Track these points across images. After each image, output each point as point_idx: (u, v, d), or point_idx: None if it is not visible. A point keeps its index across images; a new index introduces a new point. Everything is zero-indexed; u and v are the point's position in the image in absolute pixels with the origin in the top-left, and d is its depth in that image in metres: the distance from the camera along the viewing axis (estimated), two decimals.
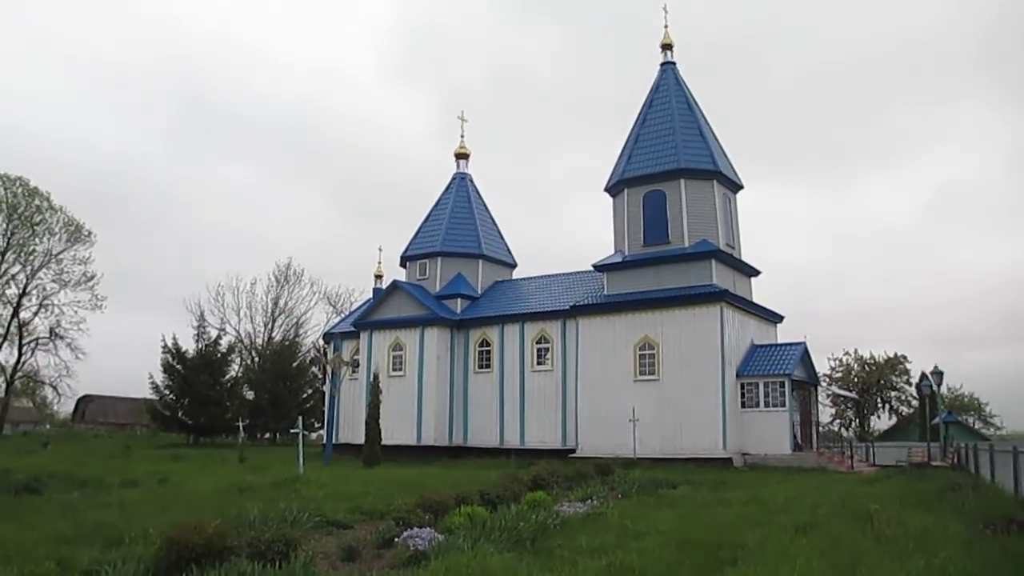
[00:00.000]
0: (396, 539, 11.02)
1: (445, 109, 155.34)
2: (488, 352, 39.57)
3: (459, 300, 41.70)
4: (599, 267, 36.77)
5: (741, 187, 37.26)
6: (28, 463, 29.36)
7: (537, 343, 37.95)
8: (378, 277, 46.40)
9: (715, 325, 32.01)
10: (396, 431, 37.47)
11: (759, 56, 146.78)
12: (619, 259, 36.07)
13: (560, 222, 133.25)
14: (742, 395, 32.24)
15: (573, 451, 34.26)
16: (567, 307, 36.60)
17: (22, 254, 65.74)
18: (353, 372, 42.53)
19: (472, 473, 25.49)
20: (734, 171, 37.01)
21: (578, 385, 35.20)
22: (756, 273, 37.22)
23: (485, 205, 46.94)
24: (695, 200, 34.75)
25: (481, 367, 39.66)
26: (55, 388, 71.68)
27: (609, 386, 33.84)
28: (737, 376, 32.31)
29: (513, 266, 46.28)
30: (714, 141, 36.63)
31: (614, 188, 37.30)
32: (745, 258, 36.64)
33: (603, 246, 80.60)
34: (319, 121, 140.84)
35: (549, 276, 42.35)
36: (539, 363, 37.76)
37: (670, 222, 34.78)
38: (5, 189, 64.54)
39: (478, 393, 39.37)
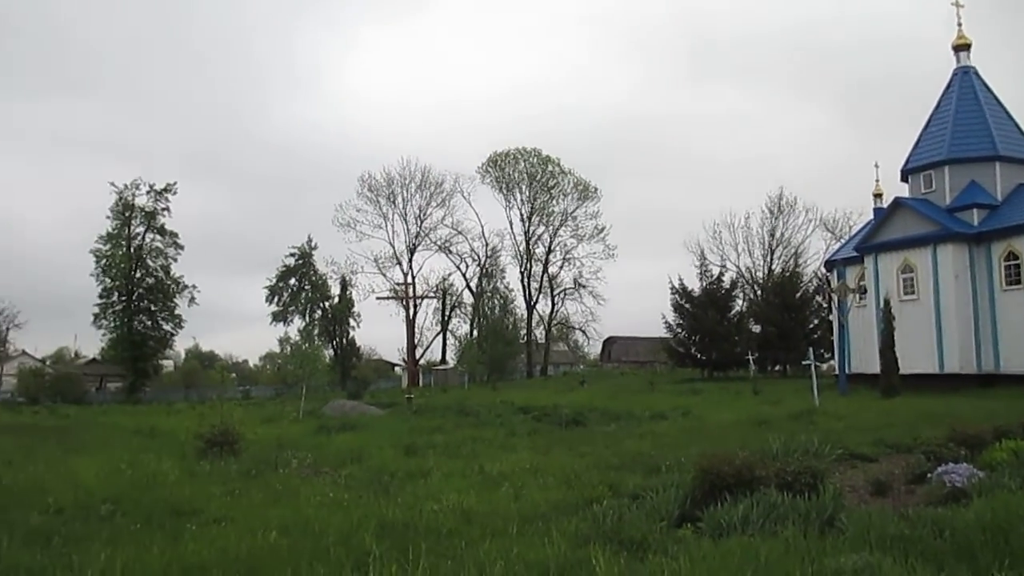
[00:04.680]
0: (929, 474, 10.47)
1: None
2: (1017, 266, 34.92)
3: (975, 211, 37.29)
4: None
5: None
6: (571, 399, 33.84)
7: None
8: (877, 196, 43.81)
9: None
10: (914, 359, 35.02)
11: None
12: None
13: None
14: None
15: None
16: None
17: (544, 216, 76.55)
18: (860, 299, 40.94)
19: (1008, 403, 23.06)
20: None
21: None
22: None
23: (997, 99, 40.88)
24: None
25: (1010, 284, 35.15)
26: (584, 332, 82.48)
27: None
28: None
29: None
30: None
31: None
32: None
33: None
34: (812, 35, 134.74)
35: None
36: None
37: None
38: (524, 161, 75.28)
39: (1009, 313, 34.94)
